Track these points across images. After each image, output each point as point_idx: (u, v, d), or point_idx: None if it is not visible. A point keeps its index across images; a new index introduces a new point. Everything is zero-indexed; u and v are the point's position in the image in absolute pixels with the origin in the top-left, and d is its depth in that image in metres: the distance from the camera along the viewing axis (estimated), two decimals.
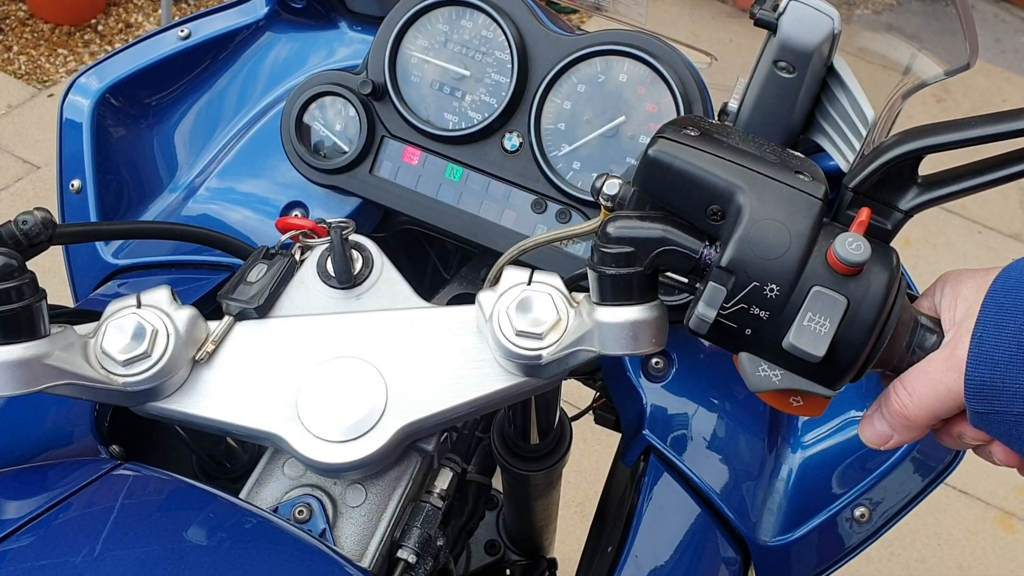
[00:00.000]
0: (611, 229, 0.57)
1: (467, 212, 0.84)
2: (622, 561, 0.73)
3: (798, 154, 0.60)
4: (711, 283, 0.54)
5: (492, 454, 0.89)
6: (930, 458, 0.76)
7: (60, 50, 3.19)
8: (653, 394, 0.82)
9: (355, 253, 0.70)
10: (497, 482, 1.05)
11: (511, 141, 0.83)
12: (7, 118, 2.97)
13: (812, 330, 0.52)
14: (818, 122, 0.77)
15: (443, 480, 0.72)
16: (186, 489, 0.60)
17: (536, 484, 0.90)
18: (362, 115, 0.84)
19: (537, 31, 0.82)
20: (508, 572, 1.16)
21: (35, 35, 3.22)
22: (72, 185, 0.89)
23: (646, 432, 0.80)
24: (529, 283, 0.64)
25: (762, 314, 0.53)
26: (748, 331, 0.54)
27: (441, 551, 0.75)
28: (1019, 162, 0.55)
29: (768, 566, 0.76)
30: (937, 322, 0.55)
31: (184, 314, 0.64)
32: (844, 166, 0.75)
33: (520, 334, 0.62)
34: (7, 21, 3.25)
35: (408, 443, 0.67)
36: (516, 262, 0.71)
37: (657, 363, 0.83)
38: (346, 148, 0.85)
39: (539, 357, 0.62)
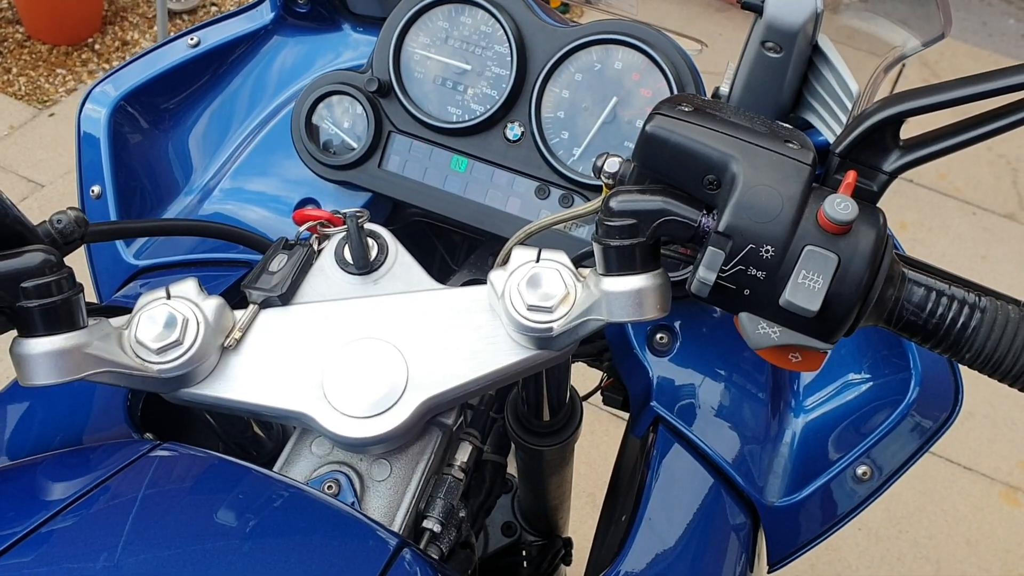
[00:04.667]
0: (614, 203, 0.61)
1: (473, 201, 0.88)
2: (635, 528, 0.76)
3: (787, 125, 0.63)
4: (710, 248, 0.57)
5: (506, 433, 0.93)
6: (927, 416, 0.79)
7: (59, 70, 3.23)
8: (659, 367, 0.86)
9: (370, 240, 0.73)
10: (511, 467, 1.08)
11: (513, 131, 0.87)
12: (10, 139, 3.01)
13: (807, 287, 0.55)
14: (806, 99, 0.81)
15: (463, 453, 0.75)
16: (223, 465, 0.63)
17: (550, 460, 0.93)
18: (369, 112, 0.88)
19: (534, 24, 0.86)
20: (525, 552, 1.19)
21: (33, 56, 3.26)
22: (92, 191, 0.93)
23: (654, 404, 0.84)
24: (538, 260, 0.68)
25: (759, 274, 0.57)
26: (747, 291, 0.57)
27: (463, 523, 0.78)
28: (993, 120, 0.58)
29: (776, 526, 0.79)
30: (925, 275, 0.58)
31: (212, 304, 0.68)
32: (832, 139, 0.78)
33: (532, 308, 0.66)
34: (5, 44, 3.29)
35: (429, 418, 0.70)
36: (524, 244, 0.74)
37: (662, 338, 0.86)
38: (355, 145, 0.89)
39: (550, 329, 0.66)
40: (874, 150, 0.60)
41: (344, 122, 0.90)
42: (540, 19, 0.87)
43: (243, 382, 0.68)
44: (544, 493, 1.03)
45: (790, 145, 0.59)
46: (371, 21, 0.96)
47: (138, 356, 0.65)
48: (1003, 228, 3.20)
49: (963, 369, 0.70)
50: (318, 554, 0.56)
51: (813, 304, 0.55)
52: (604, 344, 0.94)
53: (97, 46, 3.33)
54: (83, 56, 3.29)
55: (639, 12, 1.05)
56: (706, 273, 0.58)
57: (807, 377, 0.85)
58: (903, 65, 0.82)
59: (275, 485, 0.62)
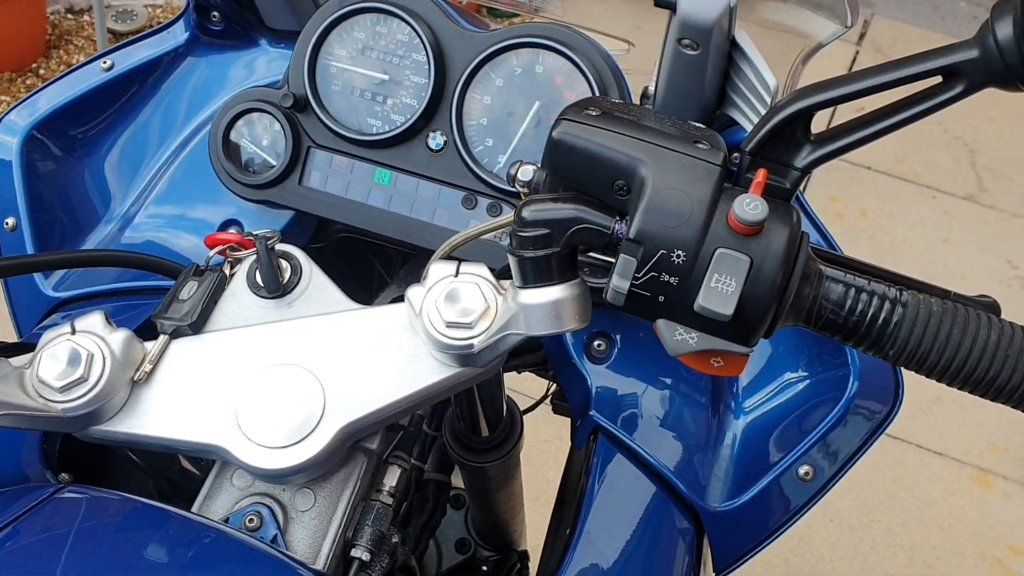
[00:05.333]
0: (526, 213, 0.59)
1: (398, 214, 0.85)
2: (574, 542, 0.74)
3: (699, 125, 0.61)
4: (621, 255, 0.55)
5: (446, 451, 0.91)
6: (868, 411, 0.78)
7: (2, 97, 3.17)
8: (597, 375, 0.84)
9: (283, 262, 0.71)
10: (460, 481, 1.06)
11: (435, 140, 0.84)
12: None
13: (719, 290, 0.53)
14: (729, 96, 0.79)
15: (391, 478, 0.73)
16: (131, 505, 0.61)
17: (493, 476, 0.91)
18: (286, 128, 0.85)
19: (451, 31, 0.84)
20: (484, 569, 1.17)
21: None
22: (7, 223, 0.90)
23: (592, 413, 0.82)
24: (456, 275, 0.66)
25: (672, 280, 0.55)
26: (661, 298, 0.55)
27: (398, 548, 0.76)
28: (903, 110, 0.57)
29: (720, 532, 0.78)
30: (843, 272, 0.57)
31: (119, 337, 0.65)
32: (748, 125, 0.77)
33: (450, 325, 0.63)
34: None
35: (351, 443, 0.68)
36: (449, 257, 0.72)
37: (599, 345, 0.84)
38: (274, 162, 0.86)
39: (471, 346, 0.63)
40: (785, 146, 0.58)
41: (263, 140, 0.87)
42: (458, 25, 0.84)
43: (155, 416, 0.66)
44: (493, 508, 1.01)
45: (700, 146, 0.57)
46: (288, 35, 0.94)
47: (41, 396, 0.62)
48: (963, 210, 3.21)
49: None
50: None
51: (727, 308, 0.53)
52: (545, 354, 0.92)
53: (42, 71, 3.28)
54: (28, 82, 3.23)
55: (564, 13, 1.03)
56: (619, 281, 0.56)
57: (746, 378, 0.83)
58: (856, 52, 0.81)
59: (186, 525, 0.60)
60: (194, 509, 0.69)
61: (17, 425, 0.61)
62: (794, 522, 0.78)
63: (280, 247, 0.71)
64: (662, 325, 0.57)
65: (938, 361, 0.55)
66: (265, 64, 0.94)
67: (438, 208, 0.85)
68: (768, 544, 0.78)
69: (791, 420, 0.80)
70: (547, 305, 0.59)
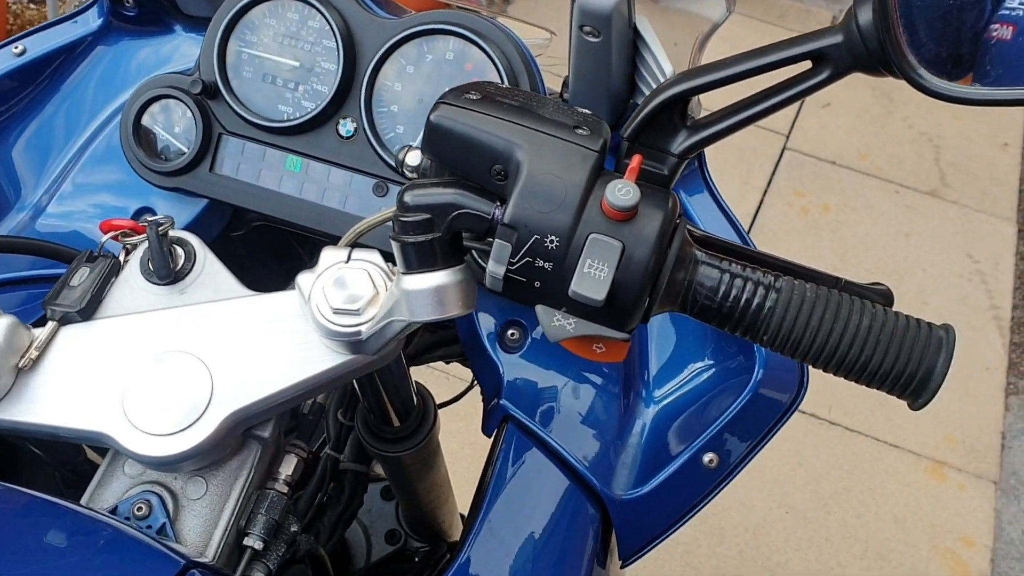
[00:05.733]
0: (407, 198, 0.58)
1: (309, 202, 0.85)
2: (475, 528, 0.73)
3: (584, 111, 0.61)
4: (496, 240, 0.55)
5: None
6: (772, 399, 0.78)
7: None
8: (510, 364, 0.83)
9: (178, 249, 0.70)
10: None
11: (345, 127, 0.84)
12: None
13: (592, 276, 0.53)
14: (638, 84, 0.79)
15: (288, 466, 0.72)
16: None
17: (410, 465, 0.90)
18: (196, 115, 0.84)
19: (361, 16, 0.83)
20: (416, 560, 1.16)
21: None
22: None
23: (503, 401, 0.81)
24: (347, 261, 0.65)
25: (547, 266, 0.54)
26: (537, 283, 0.55)
27: (299, 538, 0.75)
28: (777, 94, 0.57)
29: (625, 520, 0.77)
30: (720, 259, 0.56)
31: (3, 323, 0.64)
32: None
33: (338, 312, 0.63)
34: None
35: (241, 431, 0.67)
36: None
37: (513, 335, 0.84)
38: (185, 149, 0.85)
39: (359, 333, 0.63)
40: (662, 132, 0.58)
41: (175, 127, 0.86)
42: (369, 11, 0.84)
43: (40, 404, 0.65)
44: (417, 498, 1.01)
45: (579, 131, 0.57)
46: (203, 22, 0.93)
47: None
48: (926, 205, 3.22)
49: None
50: None
51: (599, 293, 0.53)
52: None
53: None
54: None
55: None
56: (495, 267, 0.55)
57: (656, 366, 0.83)
58: None
59: (50, 508, 0.59)
60: (84, 498, 0.68)
61: None
62: (699, 509, 0.78)
63: (175, 233, 0.71)
64: (541, 311, 0.57)
65: (810, 346, 0.55)
66: (180, 50, 0.93)
67: (349, 195, 0.84)
68: (674, 532, 0.78)
69: (697, 408, 0.80)
70: (430, 291, 0.59)
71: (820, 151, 3.38)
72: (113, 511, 0.67)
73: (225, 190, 0.85)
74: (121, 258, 0.71)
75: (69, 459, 0.86)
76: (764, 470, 2.34)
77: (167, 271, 0.68)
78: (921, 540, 2.28)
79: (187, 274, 0.69)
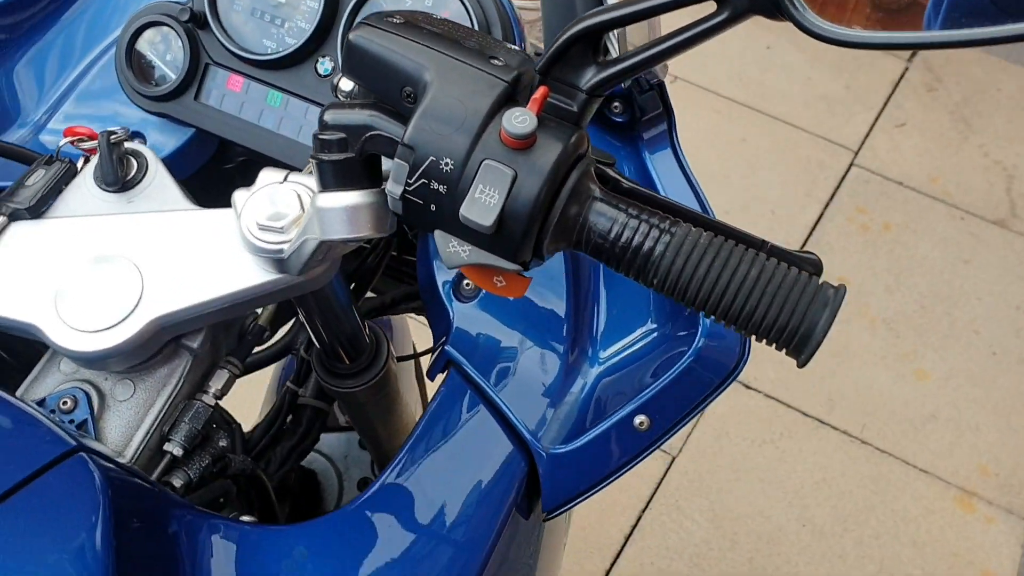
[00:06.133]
0: (326, 117, 0.60)
1: (286, 137, 0.87)
2: (396, 461, 0.75)
3: (511, 46, 0.61)
4: (395, 160, 0.56)
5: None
6: (710, 369, 0.77)
7: None
8: (461, 313, 0.84)
9: (131, 159, 0.72)
10: None
11: (324, 66, 0.85)
12: None
13: (483, 202, 0.54)
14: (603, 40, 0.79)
15: (219, 381, 0.74)
16: None
17: (366, 404, 0.92)
18: (185, 43, 0.87)
19: None
20: None
21: None
22: None
23: (447, 348, 0.82)
24: (283, 181, 0.67)
25: (441, 188, 0.55)
26: (433, 206, 0.56)
27: (229, 456, 0.77)
28: (682, 34, 0.56)
29: (551, 474, 0.78)
30: (618, 199, 0.56)
31: None
32: None
33: (263, 228, 0.65)
34: None
35: (168, 338, 0.69)
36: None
37: (468, 284, 0.85)
38: (174, 76, 0.88)
39: (281, 251, 0.65)
40: (573, 68, 0.58)
41: (167, 54, 0.89)
42: None
43: None
44: (377, 439, 1.02)
45: (494, 61, 0.57)
46: None
47: None
48: (991, 234, 3.12)
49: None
50: None
51: (487, 219, 0.54)
52: None
53: None
54: None
55: None
56: (393, 187, 0.56)
57: (604, 328, 0.83)
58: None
59: None
60: (19, 391, 0.71)
61: None
62: (626, 470, 0.78)
63: (130, 145, 0.73)
64: (438, 236, 0.57)
65: (697, 292, 0.55)
66: None
67: None
68: (599, 490, 0.78)
69: (637, 371, 0.80)
70: (341, 210, 0.60)
71: (888, 170, 3.30)
72: (41, 403, 0.70)
73: (207, 119, 0.88)
74: (80, 165, 0.73)
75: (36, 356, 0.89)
76: (785, 481, 2.31)
77: (115, 178, 0.71)
78: (939, 568, 2.22)
79: (136, 184, 0.72)
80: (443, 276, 0.85)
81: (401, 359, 1.00)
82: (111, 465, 0.61)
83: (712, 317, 0.56)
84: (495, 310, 0.85)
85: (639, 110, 0.80)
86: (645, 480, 2.27)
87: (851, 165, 3.26)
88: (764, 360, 2.55)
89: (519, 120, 0.53)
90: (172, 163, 0.93)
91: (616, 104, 0.80)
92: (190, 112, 0.88)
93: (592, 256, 0.57)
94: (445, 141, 0.55)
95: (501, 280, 0.60)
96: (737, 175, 3.11)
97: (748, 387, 2.50)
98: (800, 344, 0.54)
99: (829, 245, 2.94)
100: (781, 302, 0.54)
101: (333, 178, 0.60)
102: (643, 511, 2.22)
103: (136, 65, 0.89)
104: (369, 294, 1.08)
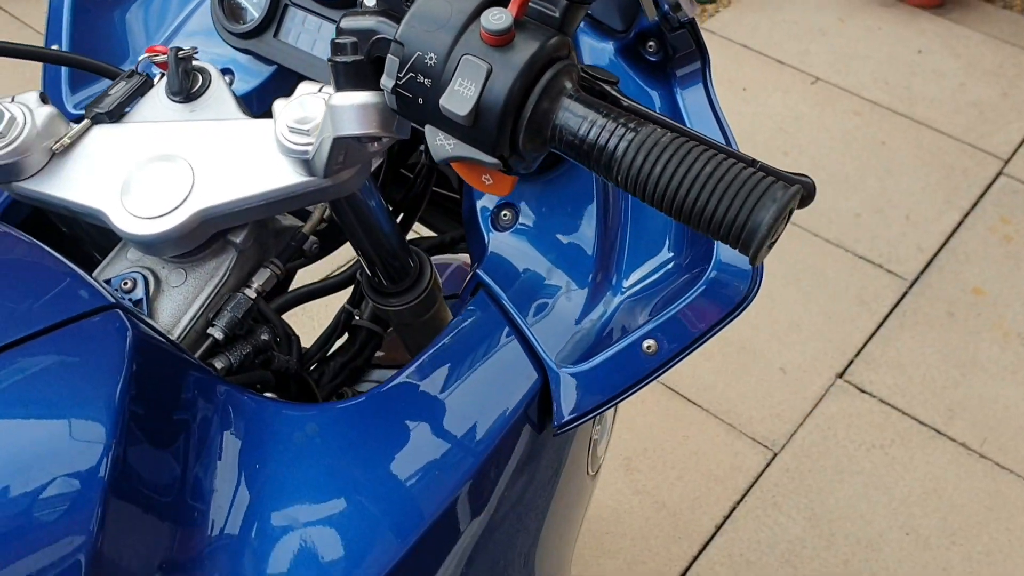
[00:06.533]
0: (342, 23, 0.66)
1: None
2: (418, 357, 0.80)
3: None
4: (388, 55, 0.62)
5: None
6: (720, 299, 0.79)
7: None
8: (496, 240, 0.90)
9: (197, 75, 0.81)
10: None
11: None
12: None
13: (460, 93, 0.59)
14: None
15: (260, 278, 0.82)
16: None
17: (411, 325, 0.98)
18: None
19: None
20: None
21: None
22: (52, 49, 1.05)
23: (479, 271, 0.87)
24: (317, 92, 0.74)
25: (426, 81, 0.61)
26: (420, 100, 0.61)
27: (272, 350, 0.85)
28: None
29: (562, 391, 0.81)
30: (591, 100, 0.60)
31: (45, 111, 0.78)
32: (650, 13, 0.80)
33: (292, 130, 0.72)
34: None
35: (213, 230, 0.77)
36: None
37: (505, 215, 0.90)
38: (257, 15, 0.97)
39: (307, 152, 0.72)
40: None
41: None
42: None
43: (62, 182, 0.78)
44: None
45: None
46: None
47: None
48: None
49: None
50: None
51: (463, 109, 0.59)
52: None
53: None
54: None
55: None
56: (386, 80, 0.62)
57: (628, 258, 0.86)
58: None
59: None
60: (94, 273, 0.81)
61: None
62: (633, 392, 0.81)
63: (199, 63, 0.82)
64: (428, 130, 0.63)
65: (655, 188, 0.58)
66: None
67: None
68: (606, 409, 0.81)
69: (652, 299, 0.83)
70: (349, 107, 0.66)
71: None
72: (107, 283, 0.79)
73: (285, 55, 0.97)
74: (156, 80, 0.83)
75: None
76: (892, 488, 2.24)
77: (180, 88, 0.80)
78: None
79: (199, 96, 0.81)
80: (484, 207, 0.91)
81: (450, 297, 1.06)
82: (150, 331, 0.69)
83: (669, 213, 0.59)
84: (528, 240, 0.89)
85: (671, 48, 0.83)
86: (743, 473, 2.25)
87: (999, 174, 3.12)
88: (882, 366, 2.48)
89: (496, 18, 0.58)
90: (256, 97, 1.03)
91: (651, 44, 0.84)
92: (270, 48, 0.97)
93: (564, 154, 0.61)
94: (430, 37, 0.60)
95: (488, 178, 0.65)
96: (873, 178, 3.03)
97: (862, 391, 2.44)
98: (747, 239, 0.56)
99: (966, 254, 2.83)
100: (731, 198, 0.56)
101: (345, 79, 0.67)
102: (738, 503, 2.20)
103: (227, 5, 0.98)
104: (430, 233, 1.15)
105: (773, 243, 0.58)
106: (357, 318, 1.03)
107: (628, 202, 0.87)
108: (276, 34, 0.97)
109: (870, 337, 2.57)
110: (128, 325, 0.66)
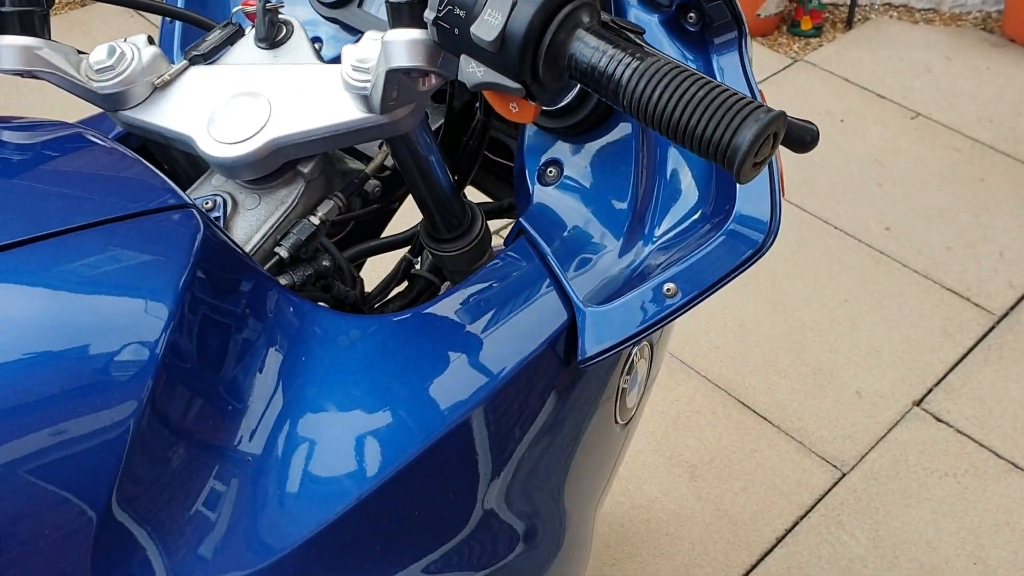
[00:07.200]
0: None
1: None
2: (457, 287, 0.89)
3: None
4: None
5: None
6: (740, 247, 0.86)
7: None
8: (540, 193, 0.98)
9: (282, 26, 0.92)
10: None
11: None
12: None
13: (489, 22, 0.68)
14: None
15: (324, 208, 0.92)
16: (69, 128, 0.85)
17: (466, 273, 1.06)
18: None
19: None
20: None
21: None
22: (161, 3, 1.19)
23: (522, 219, 0.96)
24: (381, 38, 0.84)
25: (460, 13, 0.69)
26: (456, 30, 0.70)
27: (331, 273, 0.94)
28: None
29: (587, 328, 0.89)
30: (605, 36, 0.68)
31: (150, 51, 0.90)
32: None
33: (355, 68, 0.82)
34: None
35: (284, 159, 0.88)
36: None
37: (551, 171, 0.98)
38: None
39: (366, 88, 0.81)
40: None
41: None
42: None
43: (160, 111, 0.90)
44: None
45: None
46: None
47: (87, 76, 0.88)
48: None
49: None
50: (82, 180, 0.76)
51: (490, 36, 0.67)
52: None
53: None
54: None
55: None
56: (428, 13, 0.71)
57: (660, 210, 0.93)
58: None
59: (83, 135, 0.83)
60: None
61: (63, 86, 0.87)
62: (652, 331, 0.87)
63: (284, 16, 0.93)
64: (463, 60, 0.72)
65: (653, 111, 0.65)
66: None
67: None
68: (626, 347, 0.88)
69: (675, 246, 0.90)
70: (401, 42, 0.76)
71: None
72: None
73: (367, 24, 1.07)
74: (247, 30, 0.94)
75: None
76: (962, 517, 2.21)
77: (265, 36, 0.91)
78: None
79: (282, 44, 0.92)
80: (532, 164, 0.99)
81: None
82: (222, 236, 0.79)
83: (667, 134, 0.66)
84: (569, 194, 0.97)
85: (708, 18, 0.90)
86: (809, 489, 2.26)
87: None
88: (962, 397, 2.45)
89: None
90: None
91: (691, 15, 0.91)
92: (355, 18, 1.08)
93: (580, 83, 0.69)
94: None
95: (515, 106, 0.73)
96: (967, 213, 3.00)
97: (939, 419, 2.42)
98: (731, 156, 0.63)
99: None
100: (719, 119, 0.63)
101: (397, 18, 0.76)
102: (801, 518, 2.20)
103: None
104: (488, 199, 1.23)
105: (759, 164, 0.65)
106: (416, 267, 1.12)
107: (665, 159, 0.94)
108: (360, 4, 1.08)
109: (952, 368, 2.54)
110: (201, 224, 0.77)
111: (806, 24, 3.83)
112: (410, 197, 1.11)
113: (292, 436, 0.79)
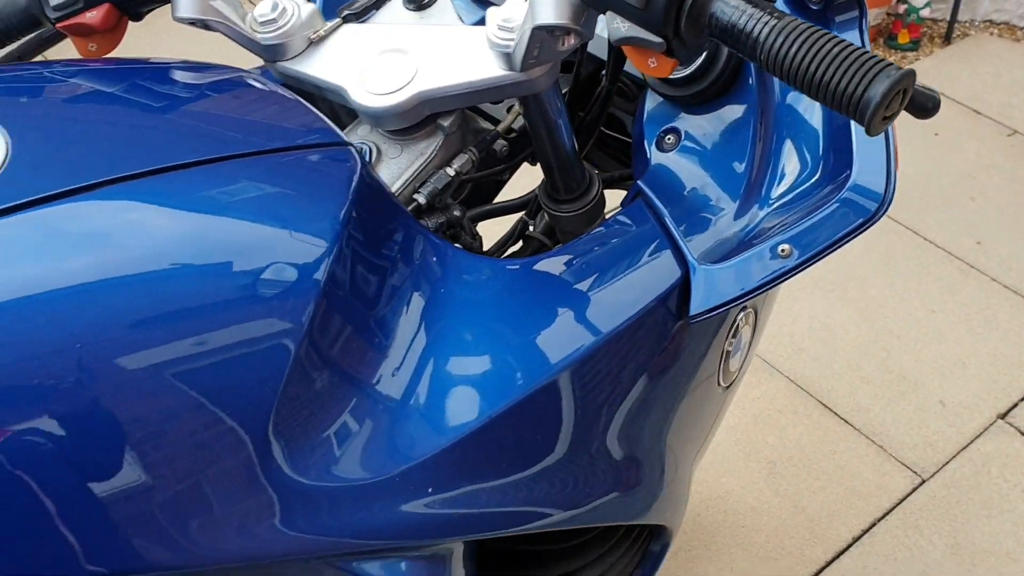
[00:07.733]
0: None
1: None
2: (575, 240, 0.95)
3: None
4: None
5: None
6: (855, 213, 0.90)
7: None
8: (658, 158, 1.04)
9: None
10: None
11: None
12: None
13: None
14: None
15: (460, 160, 0.99)
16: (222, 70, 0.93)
17: (578, 233, 1.12)
18: None
19: None
20: None
21: None
22: None
23: (639, 182, 1.01)
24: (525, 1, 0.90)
25: None
26: None
27: (460, 222, 1.01)
28: None
29: (700, 284, 0.93)
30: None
31: (308, 7, 0.98)
32: None
33: (500, 28, 0.88)
34: None
35: (428, 112, 0.95)
36: None
37: (669, 139, 1.04)
38: None
39: (509, 46, 0.88)
40: None
41: None
42: None
43: (315, 63, 0.98)
44: None
45: None
46: None
47: (251, 27, 0.97)
48: None
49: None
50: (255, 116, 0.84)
51: None
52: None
53: None
54: None
55: None
56: None
57: (776, 175, 0.98)
58: None
59: (249, 77, 0.91)
60: None
61: (231, 36, 0.96)
62: (765, 290, 0.91)
63: None
64: (608, 16, 0.78)
65: (789, 66, 0.70)
66: None
67: None
68: (739, 303, 0.93)
69: (790, 210, 0.95)
70: (550, 1, 0.82)
71: None
72: None
73: None
74: None
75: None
76: None
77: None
78: None
79: (429, 7, 0.99)
80: (650, 132, 1.05)
81: None
82: (374, 176, 0.87)
83: (801, 88, 0.71)
84: (687, 159, 1.03)
85: None
86: (888, 493, 2.26)
87: None
88: None
89: None
90: None
91: None
92: None
93: (719, 40, 0.75)
94: None
95: (653, 61, 0.79)
96: None
97: (1023, 433, 2.40)
98: (863, 108, 0.68)
99: None
100: (852, 74, 0.68)
101: None
102: (878, 520, 2.21)
103: None
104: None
105: (888, 118, 0.70)
106: (531, 229, 1.18)
107: (782, 124, 0.99)
108: None
109: None
110: (359, 162, 0.84)
111: (903, 37, 3.82)
112: (520, 169, 1.18)
113: (433, 365, 0.86)
